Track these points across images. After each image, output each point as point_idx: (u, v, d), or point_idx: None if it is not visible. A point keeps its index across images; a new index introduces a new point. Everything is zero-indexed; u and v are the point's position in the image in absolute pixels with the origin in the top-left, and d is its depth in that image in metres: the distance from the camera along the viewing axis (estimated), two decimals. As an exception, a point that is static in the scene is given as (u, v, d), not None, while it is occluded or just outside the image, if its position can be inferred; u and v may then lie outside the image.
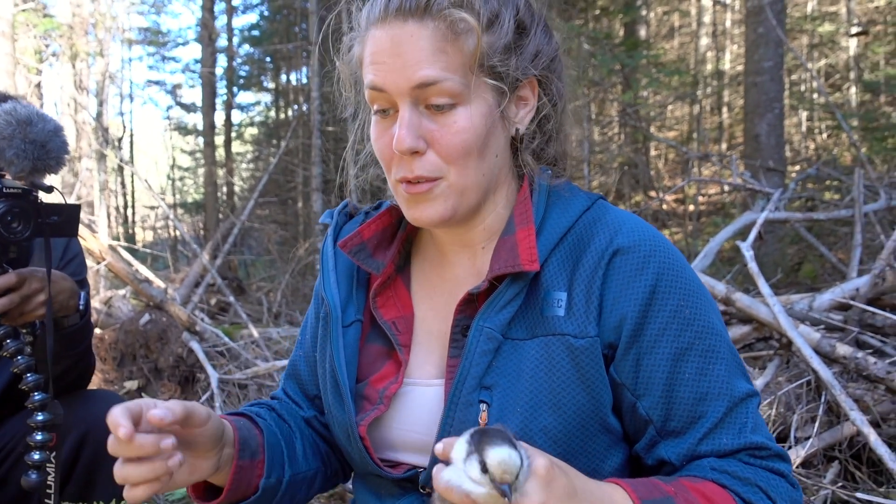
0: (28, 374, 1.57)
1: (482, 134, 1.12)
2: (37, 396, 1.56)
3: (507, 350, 1.12)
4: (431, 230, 1.27)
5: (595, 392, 1.10)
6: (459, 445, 0.90)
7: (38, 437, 1.55)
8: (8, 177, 1.56)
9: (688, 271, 1.15)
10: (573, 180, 1.28)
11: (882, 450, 2.27)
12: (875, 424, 2.52)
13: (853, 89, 10.98)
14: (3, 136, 1.49)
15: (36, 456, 1.54)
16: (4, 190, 1.54)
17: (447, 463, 0.91)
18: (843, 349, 2.64)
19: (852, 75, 11.02)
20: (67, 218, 1.64)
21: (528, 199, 1.18)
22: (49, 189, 1.60)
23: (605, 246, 1.12)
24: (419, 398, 1.20)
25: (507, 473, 0.85)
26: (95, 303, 5.15)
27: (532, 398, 1.09)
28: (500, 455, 0.85)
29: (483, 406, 1.10)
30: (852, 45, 11.37)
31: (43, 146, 1.52)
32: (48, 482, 1.63)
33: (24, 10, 8.97)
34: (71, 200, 1.66)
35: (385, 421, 1.21)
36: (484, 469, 0.86)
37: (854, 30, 11.08)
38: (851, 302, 3.09)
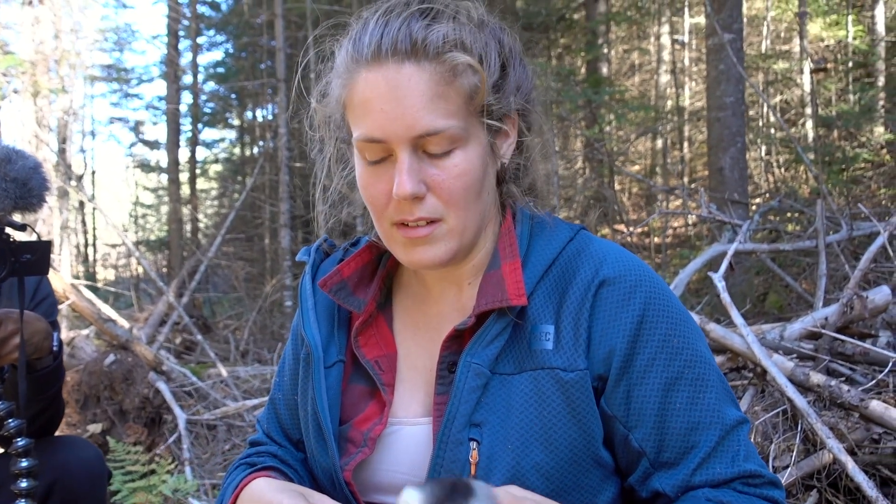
0: (10, 420, 1.51)
1: (480, 175, 1.10)
2: (20, 442, 1.51)
3: (496, 386, 1.10)
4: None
5: (586, 426, 1.08)
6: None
7: (24, 483, 1.49)
8: None
9: (674, 300, 1.15)
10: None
11: (860, 477, 2.28)
12: (850, 452, 2.53)
13: (809, 124, 11.30)
14: None
15: None
16: None
17: None
18: (817, 377, 2.66)
19: (808, 110, 11.35)
20: (40, 256, 1.57)
21: (511, 230, 1.18)
22: (22, 227, 1.55)
23: (591, 277, 1.11)
24: (405, 438, 1.17)
25: None
26: (57, 344, 4.98)
27: (523, 434, 1.07)
28: None
29: (473, 444, 1.08)
30: (806, 81, 11.74)
31: (24, 184, 1.48)
32: None
33: (-16, 48, 8.84)
34: (34, 238, 1.61)
35: (371, 463, 1.17)
36: None
37: (812, 66, 11.46)
38: (822, 330, 3.13)
